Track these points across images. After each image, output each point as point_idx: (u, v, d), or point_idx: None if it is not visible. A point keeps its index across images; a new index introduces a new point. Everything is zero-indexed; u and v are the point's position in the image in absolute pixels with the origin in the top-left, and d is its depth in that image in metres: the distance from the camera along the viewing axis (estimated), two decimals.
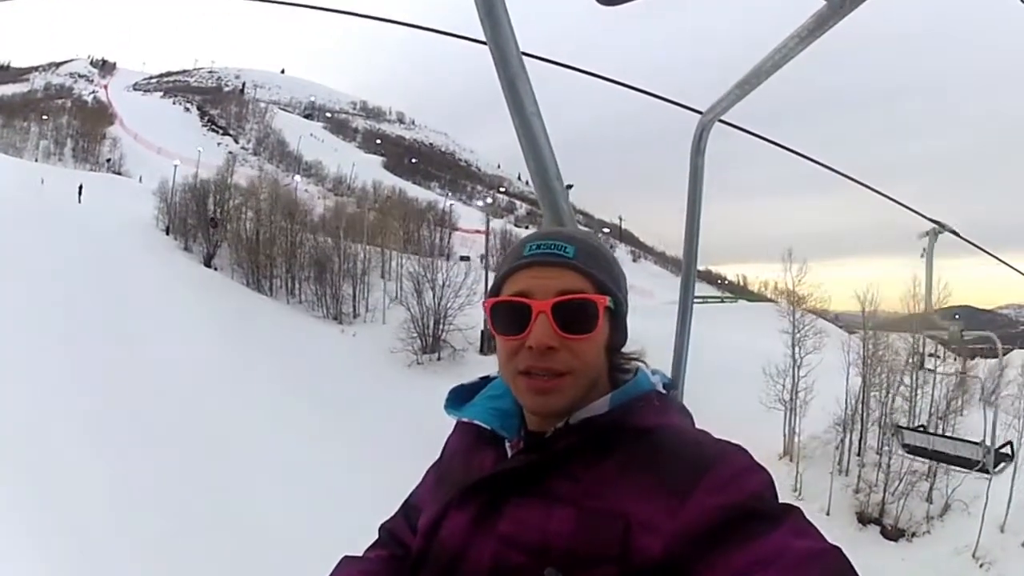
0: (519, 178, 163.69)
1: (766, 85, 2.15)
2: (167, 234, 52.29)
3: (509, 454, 1.30)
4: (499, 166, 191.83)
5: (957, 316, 43.91)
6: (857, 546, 22.87)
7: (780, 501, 1.10)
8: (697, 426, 1.31)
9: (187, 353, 31.79)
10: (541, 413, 1.27)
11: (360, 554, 1.51)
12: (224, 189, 55.03)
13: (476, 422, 1.34)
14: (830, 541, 1.02)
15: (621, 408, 1.25)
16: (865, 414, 29.02)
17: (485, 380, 1.47)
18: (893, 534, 25.41)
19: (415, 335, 43.23)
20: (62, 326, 29.12)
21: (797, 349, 30.70)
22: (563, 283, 1.24)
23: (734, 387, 29.63)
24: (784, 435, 28.95)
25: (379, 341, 42.66)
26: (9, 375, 24.08)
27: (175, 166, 59.88)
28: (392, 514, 1.58)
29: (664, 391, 1.34)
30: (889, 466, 26.51)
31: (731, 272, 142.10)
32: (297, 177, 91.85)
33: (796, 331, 31.12)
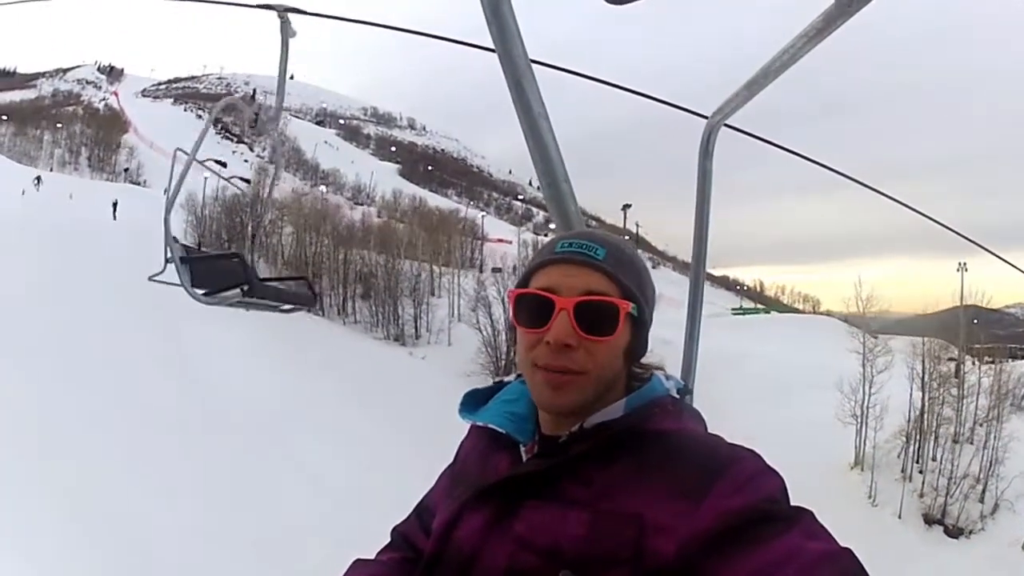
0: (530, 183, 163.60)
1: (773, 87, 2.14)
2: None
3: (524, 458, 1.30)
4: (511, 171, 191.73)
5: (976, 321, 43.89)
6: (927, 545, 26.13)
7: (792, 504, 1.10)
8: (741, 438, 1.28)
9: (248, 380, 30.83)
10: (552, 409, 1.27)
11: (371, 557, 1.51)
12: (260, 203, 52.46)
13: (491, 426, 1.34)
14: (841, 543, 1.01)
15: (636, 413, 1.25)
16: (925, 425, 30.67)
17: (499, 384, 1.47)
18: (954, 532, 27.33)
19: (492, 358, 41.71)
20: (120, 355, 28.42)
21: (868, 367, 32.23)
22: (589, 283, 1.24)
23: (789, 401, 32.80)
24: (856, 447, 30.47)
25: (450, 364, 41.22)
26: (60, 400, 23.96)
27: (205, 179, 58.60)
28: (405, 517, 1.57)
29: (678, 396, 1.33)
30: (952, 472, 28.46)
31: (734, 274, 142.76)
32: (323, 188, 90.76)
33: (866, 351, 32.78)
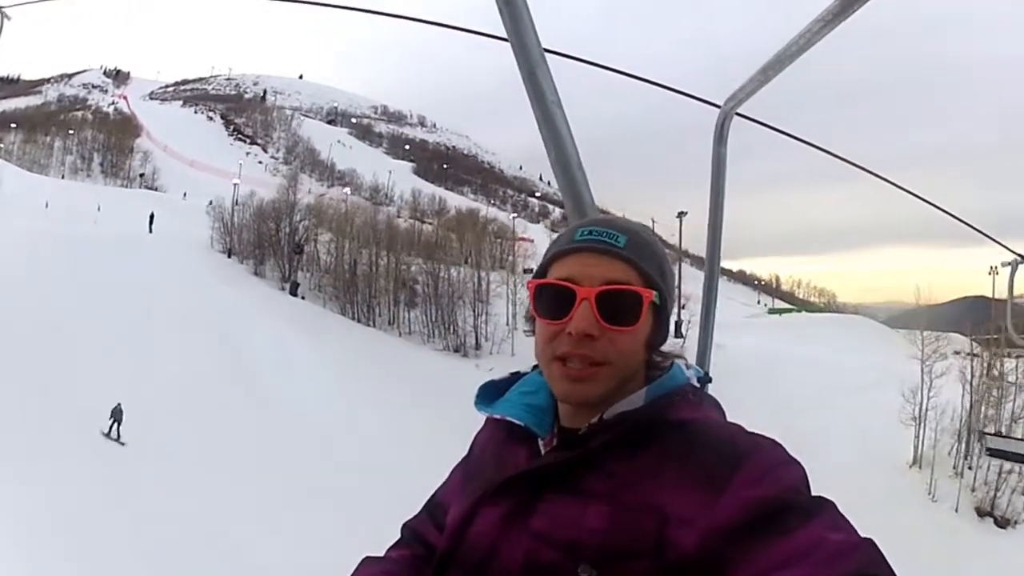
0: (541, 178, 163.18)
1: (786, 74, 2.13)
2: (228, 256, 49.64)
3: (542, 451, 1.28)
4: (521, 167, 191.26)
5: (994, 316, 44.04)
6: (980, 535, 28.33)
7: (814, 494, 1.08)
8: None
9: (319, 399, 30.25)
10: (573, 402, 1.25)
11: (382, 554, 1.49)
12: (294, 211, 52.10)
13: (508, 418, 1.31)
14: (862, 534, 1.00)
15: (656, 403, 1.23)
16: (973, 424, 33.08)
17: (516, 376, 1.44)
18: (1002, 523, 29.83)
19: None
20: (185, 369, 28.21)
21: (926, 372, 34.19)
22: (610, 272, 1.22)
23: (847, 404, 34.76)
24: (914, 447, 32.56)
25: None
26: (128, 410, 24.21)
27: (235, 185, 57.59)
28: (416, 512, 1.55)
29: (699, 385, 1.32)
30: (1001, 468, 30.58)
31: (744, 266, 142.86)
32: (346, 190, 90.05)
33: (925, 357, 34.79)
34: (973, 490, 30.56)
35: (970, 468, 31.37)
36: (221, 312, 35.59)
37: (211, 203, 55.53)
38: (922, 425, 32.31)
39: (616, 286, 1.21)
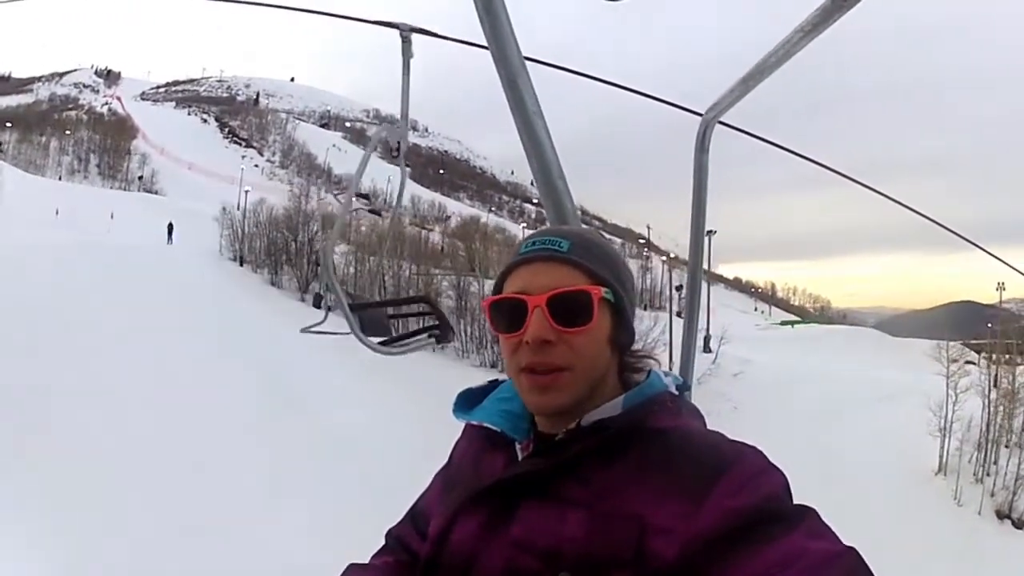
0: (532, 184, 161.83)
1: (768, 83, 2.13)
2: (240, 265, 47.77)
3: (519, 457, 1.29)
4: (512, 172, 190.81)
5: (990, 325, 44.37)
6: (1000, 536, 29.49)
7: (795, 502, 1.09)
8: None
9: (362, 415, 29.43)
10: (542, 411, 1.26)
11: (366, 561, 1.49)
12: (310, 221, 50.07)
13: (485, 424, 1.33)
14: (844, 543, 1.01)
15: (634, 410, 1.23)
16: (991, 434, 34.07)
17: (494, 383, 1.45)
18: (1019, 524, 30.83)
19: None
20: (220, 387, 27.26)
21: (951, 390, 34.66)
22: (557, 277, 1.23)
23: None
24: (940, 456, 33.36)
25: None
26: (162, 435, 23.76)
27: (245, 192, 56.03)
28: (399, 520, 1.56)
29: (677, 392, 1.31)
30: (1018, 472, 31.93)
31: (731, 270, 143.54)
32: (352, 197, 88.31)
33: (950, 373, 35.19)
34: (992, 494, 31.78)
35: (988, 475, 32.63)
36: (249, 324, 35.17)
37: (224, 209, 54.60)
38: (947, 436, 33.36)
39: (564, 289, 1.22)
